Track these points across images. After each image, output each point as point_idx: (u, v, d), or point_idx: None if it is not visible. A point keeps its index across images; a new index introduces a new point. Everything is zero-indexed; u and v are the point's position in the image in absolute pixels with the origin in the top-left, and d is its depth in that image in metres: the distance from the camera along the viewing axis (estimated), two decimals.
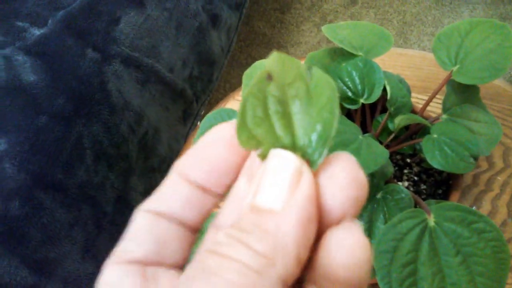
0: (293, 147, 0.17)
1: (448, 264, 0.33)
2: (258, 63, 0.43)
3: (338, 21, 1.29)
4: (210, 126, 0.42)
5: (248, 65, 1.27)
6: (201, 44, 0.75)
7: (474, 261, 0.33)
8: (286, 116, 0.17)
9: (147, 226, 0.18)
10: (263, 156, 0.17)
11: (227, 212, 0.17)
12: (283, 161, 0.16)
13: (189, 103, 0.74)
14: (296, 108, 0.17)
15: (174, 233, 0.18)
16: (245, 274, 0.14)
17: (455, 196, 0.44)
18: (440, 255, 0.33)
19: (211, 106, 1.14)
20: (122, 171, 0.60)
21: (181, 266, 0.18)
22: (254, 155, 0.17)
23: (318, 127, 0.16)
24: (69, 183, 0.53)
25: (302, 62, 0.17)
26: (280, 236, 0.15)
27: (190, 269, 0.15)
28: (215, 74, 0.82)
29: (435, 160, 0.38)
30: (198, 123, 0.80)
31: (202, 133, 0.44)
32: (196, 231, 0.19)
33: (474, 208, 0.53)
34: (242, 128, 0.17)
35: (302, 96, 0.17)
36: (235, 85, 1.21)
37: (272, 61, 0.16)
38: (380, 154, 0.36)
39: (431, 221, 0.34)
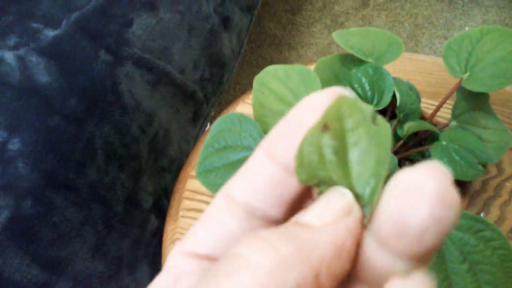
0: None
1: (455, 271, 0.33)
2: (269, 68, 0.43)
3: (349, 23, 1.29)
4: (219, 130, 0.43)
5: (258, 66, 1.27)
6: (212, 47, 0.75)
7: (481, 269, 0.33)
8: (342, 164, 0.16)
9: (220, 218, 0.17)
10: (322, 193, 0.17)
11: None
12: (339, 194, 0.16)
13: (199, 105, 0.75)
14: (354, 156, 0.16)
15: (247, 226, 0.17)
16: (255, 274, 0.13)
17: (463, 203, 0.44)
18: (447, 262, 0.34)
19: (221, 107, 1.15)
20: (132, 171, 0.60)
21: None
22: None
23: (372, 182, 0.15)
24: (80, 183, 0.53)
25: (369, 108, 0.16)
26: (308, 243, 0.14)
27: (211, 267, 0.15)
28: (226, 76, 0.82)
29: None
30: (208, 124, 0.80)
31: (213, 136, 0.44)
32: (277, 223, 0.17)
33: (482, 214, 0.53)
34: (301, 171, 0.16)
35: (363, 144, 0.16)
36: (245, 86, 1.22)
37: (334, 109, 0.16)
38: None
39: None
